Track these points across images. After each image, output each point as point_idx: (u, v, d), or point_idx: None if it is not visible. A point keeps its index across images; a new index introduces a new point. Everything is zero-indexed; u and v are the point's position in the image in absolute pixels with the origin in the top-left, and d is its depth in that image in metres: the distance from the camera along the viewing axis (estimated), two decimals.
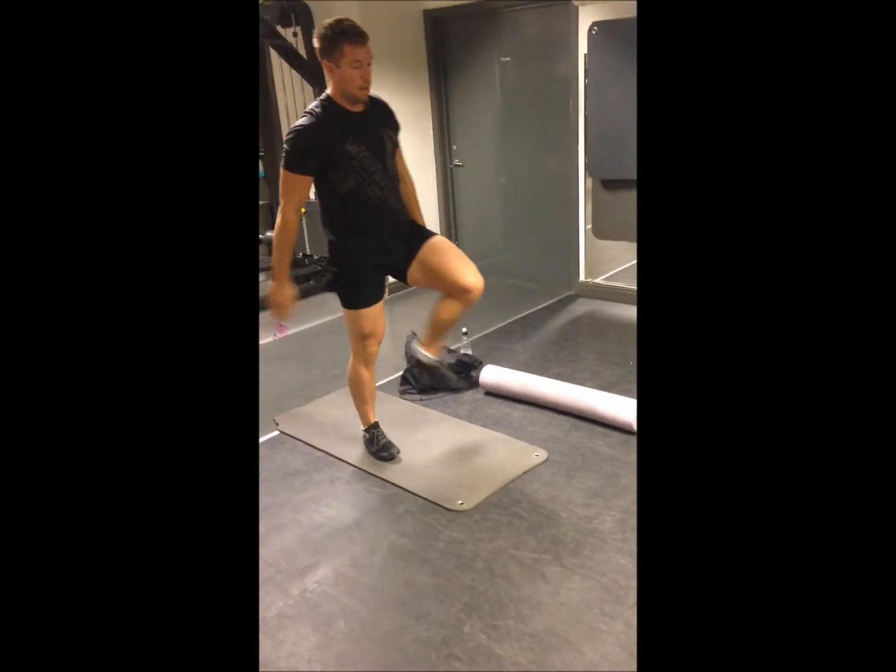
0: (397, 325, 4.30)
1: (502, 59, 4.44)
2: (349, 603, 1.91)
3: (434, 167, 4.87)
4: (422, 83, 4.66)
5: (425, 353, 2.49)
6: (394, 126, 2.28)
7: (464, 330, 3.50)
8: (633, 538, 2.08)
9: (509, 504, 2.31)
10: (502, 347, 3.68)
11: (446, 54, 4.63)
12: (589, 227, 4.24)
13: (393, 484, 2.46)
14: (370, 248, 2.28)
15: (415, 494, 2.39)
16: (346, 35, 1.99)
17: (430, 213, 4.93)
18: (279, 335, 3.88)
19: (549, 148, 4.40)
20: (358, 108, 2.14)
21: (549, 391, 2.90)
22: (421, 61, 4.61)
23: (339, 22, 2.01)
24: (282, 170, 2.12)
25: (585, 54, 3.77)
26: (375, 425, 2.63)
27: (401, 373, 3.31)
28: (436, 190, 4.92)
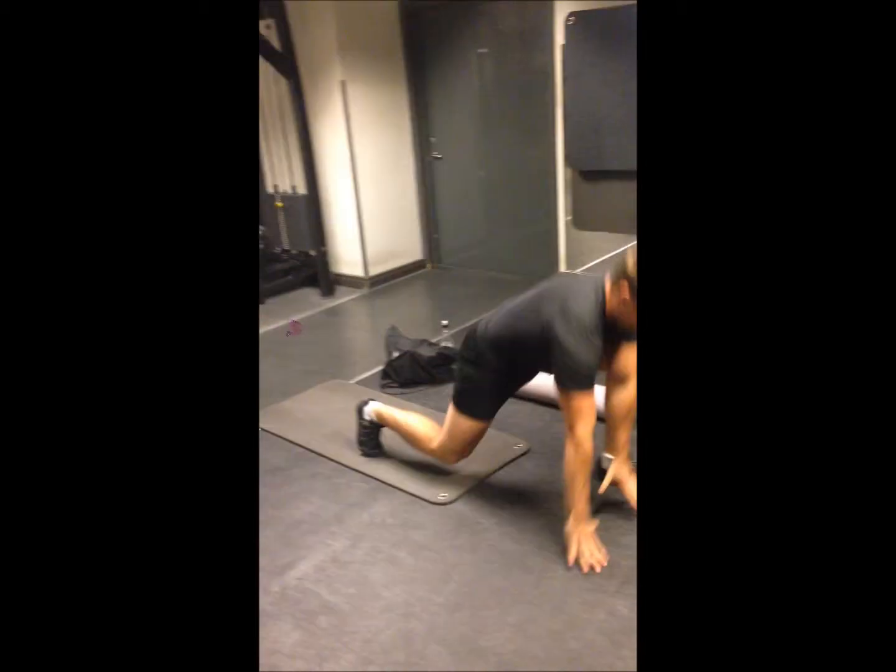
0: (377, 320, 4.29)
1: (479, 50, 4.42)
2: (331, 598, 1.89)
3: (412, 159, 4.84)
4: (398, 75, 4.63)
5: (608, 456, 2.21)
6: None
7: (444, 322, 3.48)
8: (614, 527, 2.08)
9: (491, 496, 2.30)
10: None
11: (423, 46, 4.60)
12: (569, 218, 4.24)
13: (374, 478, 2.44)
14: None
15: (396, 488, 2.38)
16: None
17: (409, 205, 4.92)
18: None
19: (528, 139, 4.39)
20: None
21: (530, 382, 2.89)
22: (397, 53, 4.58)
23: None
24: (575, 392, 1.83)
25: (563, 45, 3.76)
26: (380, 426, 2.56)
27: (382, 367, 3.29)
28: (414, 182, 4.90)
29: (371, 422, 2.53)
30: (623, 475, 2.13)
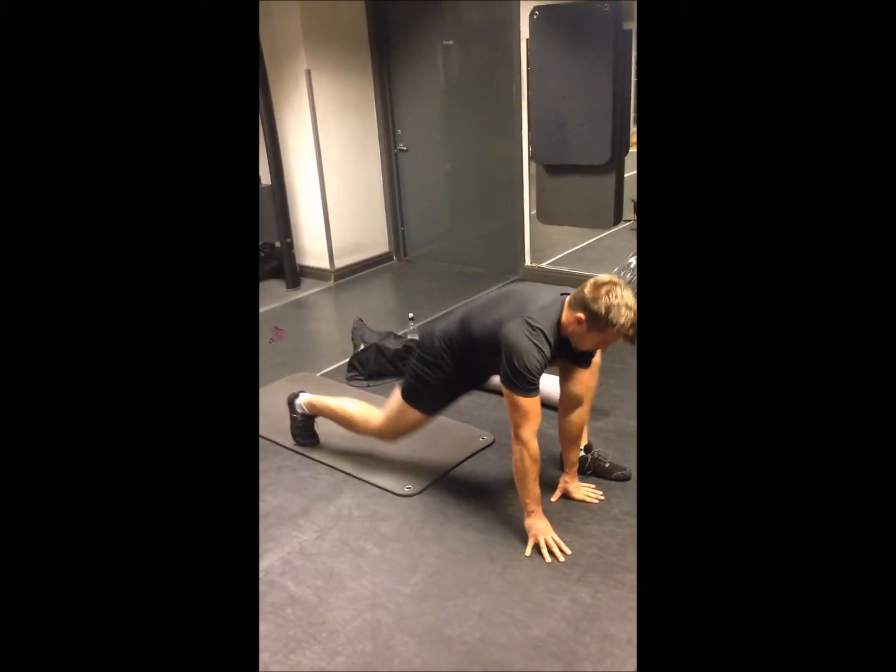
0: (343, 312, 4.27)
1: (445, 42, 4.41)
2: (297, 591, 1.90)
3: (378, 151, 4.83)
4: (364, 65, 4.60)
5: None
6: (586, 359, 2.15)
7: (410, 315, 3.50)
8: (577, 516, 2.13)
9: (457, 487, 2.33)
10: None
11: (388, 36, 4.58)
12: (533, 212, 4.28)
13: (340, 471, 2.45)
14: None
15: (362, 480, 2.39)
16: (623, 336, 1.83)
17: (375, 197, 4.90)
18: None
19: (494, 133, 4.41)
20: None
21: (496, 377, 2.92)
22: (363, 43, 4.55)
23: (630, 327, 1.79)
24: (520, 397, 1.89)
25: (528, 39, 3.78)
26: (312, 417, 2.58)
27: (347, 359, 3.29)
28: (381, 174, 4.88)
29: (303, 414, 2.57)
30: (572, 487, 2.24)
